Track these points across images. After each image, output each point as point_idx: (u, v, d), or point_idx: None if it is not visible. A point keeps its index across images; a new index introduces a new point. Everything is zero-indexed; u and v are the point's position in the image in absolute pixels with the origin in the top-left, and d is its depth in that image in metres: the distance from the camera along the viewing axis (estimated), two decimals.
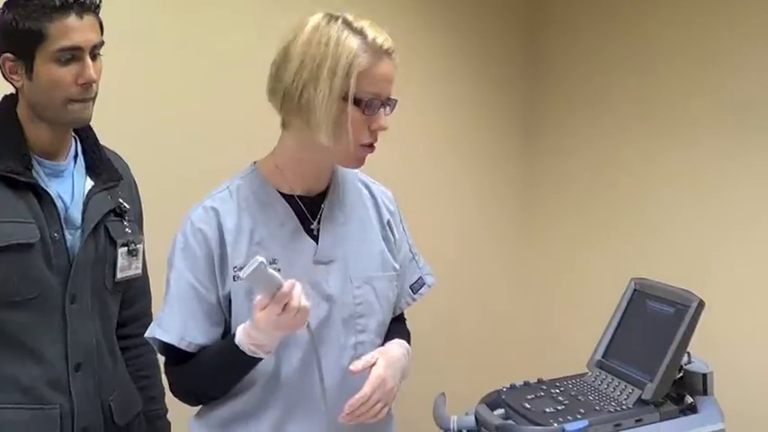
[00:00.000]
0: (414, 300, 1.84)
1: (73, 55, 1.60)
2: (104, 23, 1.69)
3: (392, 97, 1.60)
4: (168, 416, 2.03)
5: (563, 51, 3.35)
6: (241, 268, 1.58)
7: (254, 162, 1.73)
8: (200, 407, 1.71)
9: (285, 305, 1.44)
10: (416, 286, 1.84)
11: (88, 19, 1.62)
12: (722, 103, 2.73)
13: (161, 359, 1.74)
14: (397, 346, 1.69)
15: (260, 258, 1.41)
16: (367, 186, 1.81)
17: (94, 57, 1.65)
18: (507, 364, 3.13)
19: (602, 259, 3.12)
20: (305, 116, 1.57)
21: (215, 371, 1.62)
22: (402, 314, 1.88)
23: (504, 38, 3.43)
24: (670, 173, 2.90)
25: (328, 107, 1.56)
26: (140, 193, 1.96)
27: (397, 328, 1.80)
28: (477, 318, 3.34)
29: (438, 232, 3.18)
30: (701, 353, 2.03)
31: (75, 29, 1.60)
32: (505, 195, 3.47)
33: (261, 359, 1.57)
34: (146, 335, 1.65)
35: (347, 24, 1.56)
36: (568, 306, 3.26)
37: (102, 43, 1.66)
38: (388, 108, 1.60)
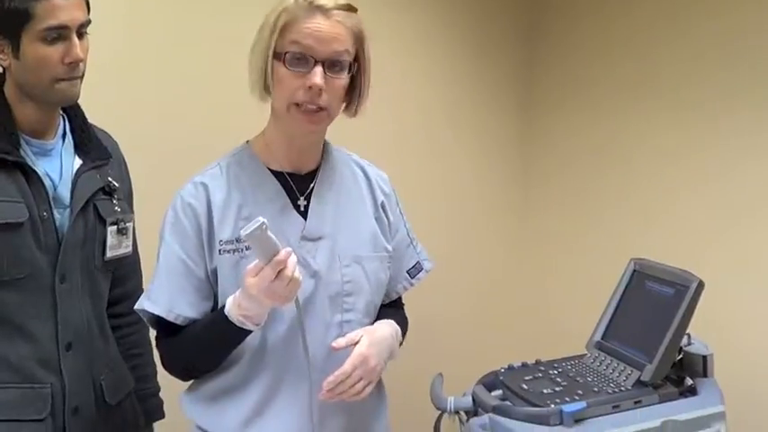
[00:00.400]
0: (411, 284, 1.84)
1: (60, 34, 1.58)
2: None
3: (341, 56, 1.57)
4: (161, 394, 2.01)
5: (562, 31, 3.31)
6: (228, 241, 1.61)
7: (248, 140, 1.74)
8: (190, 382, 1.71)
9: (279, 272, 1.44)
10: (414, 271, 1.84)
11: None
12: (721, 84, 2.69)
13: (153, 338, 1.74)
14: (385, 325, 1.69)
15: (262, 219, 1.42)
16: (362, 168, 1.81)
17: (81, 35, 1.63)
18: (506, 346, 3.10)
19: (603, 240, 3.09)
20: None
21: (204, 343, 1.62)
22: (400, 299, 1.87)
23: (503, 18, 3.39)
24: (670, 153, 2.86)
25: (256, 64, 1.59)
26: (133, 172, 1.94)
27: (390, 312, 1.79)
28: (475, 298, 3.32)
29: (435, 213, 3.16)
30: (702, 334, 2.01)
31: (61, 8, 1.57)
32: (503, 176, 3.44)
33: (249, 332, 1.56)
34: (135, 307, 1.66)
35: None
36: (569, 287, 3.23)
37: (88, 22, 1.65)
38: (332, 68, 1.56)
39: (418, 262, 1.85)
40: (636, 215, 2.98)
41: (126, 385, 1.86)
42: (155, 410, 1.99)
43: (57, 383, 1.65)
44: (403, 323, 1.81)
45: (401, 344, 1.80)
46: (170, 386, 1.80)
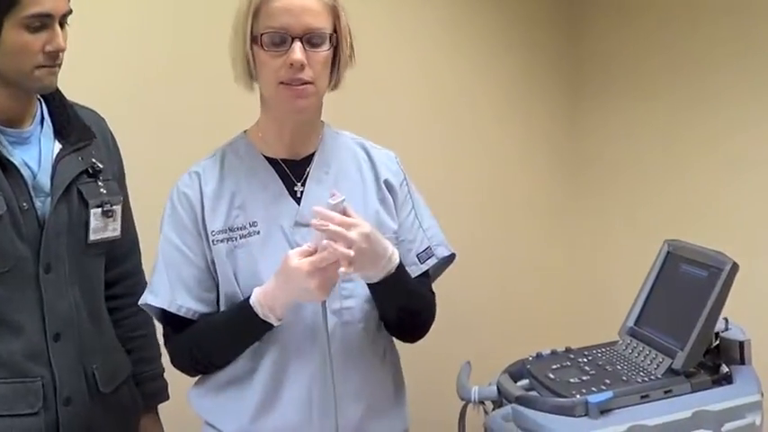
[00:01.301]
0: (420, 269, 1.76)
1: (42, 22, 1.57)
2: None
3: (318, 29, 1.55)
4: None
5: (609, 20, 3.20)
6: (220, 231, 1.62)
7: (245, 130, 1.74)
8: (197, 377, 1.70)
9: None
10: (424, 256, 1.77)
11: None
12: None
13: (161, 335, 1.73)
14: (386, 242, 1.60)
15: (343, 197, 1.49)
16: (365, 149, 1.77)
17: (62, 25, 1.62)
18: (543, 332, 3.03)
19: (651, 224, 2.98)
20: None
21: (222, 336, 1.62)
22: (426, 282, 1.80)
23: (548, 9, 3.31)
24: (719, 136, 2.75)
25: (237, 53, 1.58)
26: (133, 155, 1.93)
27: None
28: (515, 283, 3.25)
29: (475, 200, 3.11)
30: (742, 320, 1.91)
31: None
32: (548, 164, 3.36)
33: (271, 327, 1.56)
34: (139, 302, 1.66)
35: None
36: (612, 271, 3.13)
37: (70, 12, 1.64)
38: (311, 42, 1.55)
39: (429, 247, 1.79)
40: (683, 198, 2.87)
41: (122, 371, 1.85)
42: (158, 393, 1.98)
43: (47, 375, 1.65)
44: (420, 288, 1.75)
45: (425, 322, 1.77)
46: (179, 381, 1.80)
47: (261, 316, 1.53)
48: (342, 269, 1.46)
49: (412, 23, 2.96)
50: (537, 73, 3.29)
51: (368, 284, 1.62)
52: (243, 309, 1.56)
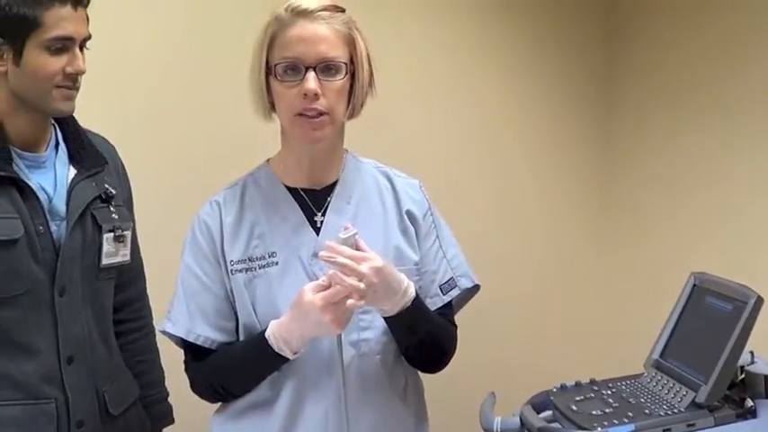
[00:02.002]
0: (443, 300, 1.76)
1: (64, 45, 1.62)
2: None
3: (332, 58, 1.55)
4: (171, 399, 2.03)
5: (641, 40, 3.20)
6: (239, 261, 1.63)
7: (268, 159, 1.76)
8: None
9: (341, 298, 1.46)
10: (447, 287, 1.76)
11: (81, 11, 1.65)
12: None
13: (182, 361, 1.75)
14: (401, 276, 1.60)
15: (355, 230, 1.50)
16: (389, 178, 1.76)
17: (81, 49, 1.66)
18: (570, 363, 3.00)
19: (675, 255, 2.96)
20: None
21: (239, 367, 1.63)
22: (445, 315, 1.78)
23: (583, 22, 3.31)
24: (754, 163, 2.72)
25: (254, 84, 1.60)
26: (135, 178, 1.96)
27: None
28: (543, 314, 3.24)
29: (494, 229, 3.13)
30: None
31: (69, 19, 1.61)
32: (579, 191, 3.37)
33: (286, 360, 1.56)
34: (158, 328, 1.70)
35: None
36: (640, 302, 3.10)
37: (89, 37, 1.68)
38: (325, 72, 1.55)
39: (452, 278, 1.78)
40: (708, 231, 2.84)
41: (130, 394, 1.88)
42: (163, 416, 2.01)
43: (60, 398, 1.68)
44: (440, 322, 1.74)
45: (445, 356, 1.76)
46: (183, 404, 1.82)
47: (276, 349, 1.54)
48: (351, 301, 1.47)
49: (440, 64, 3.01)
50: (569, 111, 3.31)
51: (384, 318, 1.62)
52: (259, 341, 1.57)
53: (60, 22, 1.60)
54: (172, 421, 2.04)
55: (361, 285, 1.48)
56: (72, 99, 1.69)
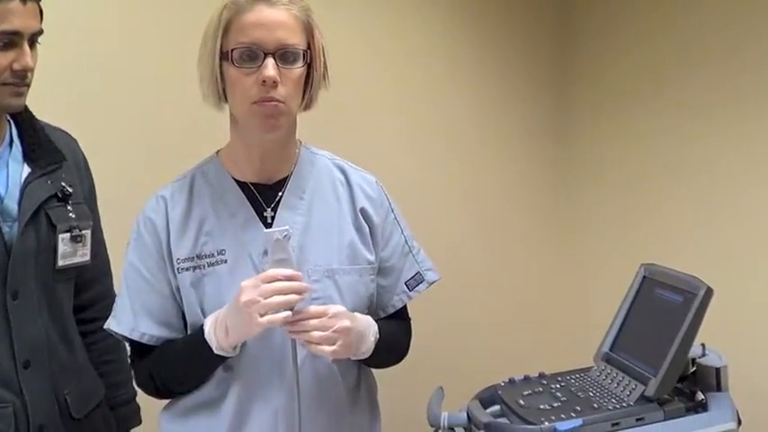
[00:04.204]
0: (410, 297, 1.69)
1: (11, 40, 1.52)
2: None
3: (292, 45, 1.47)
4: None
5: (595, 39, 3.18)
6: (186, 259, 1.54)
7: (218, 150, 1.66)
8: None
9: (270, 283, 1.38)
10: (413, 282, 1.69)
11: (31, 5, 1.54)
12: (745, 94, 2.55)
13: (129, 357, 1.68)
14: (365, 321, 1.55)
15: (288, 227, 1.43)
16: (344, 172, 1.68)
17: (32, 44, 1.57)
18: (522, 357, 2.97)
19: (628, 248, 2.95)
20: None
21: (179, 365, 1.55)
22: (403, 312, 1.72)
23: (534, 24, 3.29)
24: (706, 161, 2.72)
25: (205, 70, 1.50)
26: (104, 175, 1.88)
27: (387, 323, 1.65)
28: (493, 308, 3.20)
29: (453, 222, 3.08)
30: (721, 346, 1.86)
31: (15, 13, 1.51)
32: (536, 191, 3.34)
33: (225, 358, 1.48)
34: (104, 326, 1.60)
35: None
36: (595, 297, 3.08)
37: (41, 32, 1.58)
38: (284, 59, 1.46)
39: (419, 272, 1.70)
40: (663, 224, 2.83)
41: (95, 396, 1.79)
42: (130, 417, 1.92)
43: (18, 402, 1.60)
44: (397, 334, 1.69)
45: (402, 357, 1.71)
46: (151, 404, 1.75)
47: (211, 345, 1.46)
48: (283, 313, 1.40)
49: (395, 54, 2.96)
50: (528, 111, 3.28)
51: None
52: (197, 337, 1.49)
53: (7, 15, 1.50)
54: (139, 422, 1.95)
55: (335, 348, 1.44)
56: (22, 95, 1.59)
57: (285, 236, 1.41)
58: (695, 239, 2.68)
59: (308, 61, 1.52)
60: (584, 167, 3.24)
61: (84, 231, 1.72)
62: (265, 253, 1.48)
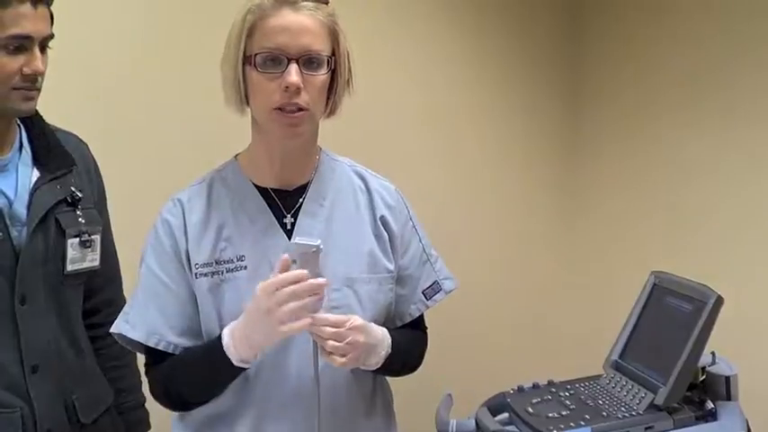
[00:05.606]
0: (427, 306, 1.68)
1: (22, 44, 1.52)
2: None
3: (316, 51, 1.45)
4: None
5: (609, 38, 3.18)
6: (205, 264, 1.52)
7: (237, 155, 1.65)
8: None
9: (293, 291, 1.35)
10: (430, 291, 1.68)
11: (42, 10, 1.55)
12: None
13: (143, 365, 1.65)
14: (380, 331, 1.53)
15: (319, 241, 1.38)
16: (363, 179, 1.66)
17: (43, 49, 1.58)
18: (530, 364, 2.96)
19: (637, 256, 2.94)
20: None
21: (195, 375, 1.51)
22: (420, 321, 1.72)
23: (547, 18, 3.29)
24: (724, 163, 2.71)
25: (228, 74, 1.48)
26: (115, 178, 1.89)
27: (401, 332, 1.64)
28: (505, 315, 3.20)
29: (467, 230, 3.09)
30: (732, 355, 1.85)
31: (27, 17, 1.52)
32: (544, 198, 3.34)
33: (242, 370, 1.46)
34: (111, 330, 1.56)
35: None
36: (604, 304, 3.07)
37: (51, 36, 1.59)
38: (308, 65, 1.44)
39: (436, 281, 1.69)
40: (674, 232, 2.82)
41: (103, 401, 1.79)
42: (139, 423, 1.92)
43: (26, 407, 1.60)
44: (411, 345, 1.67)
45: (414, 369, 1.70)
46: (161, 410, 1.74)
47: (228, 355, 1.42)
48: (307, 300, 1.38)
49: (419, 59, 2.98)
50: (537, 102, 3.28)
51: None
52: (214, 346, 1.46)
53: (18, 19, 1.50)
54: (148, 428, 1.95)
55: (337, 359, 1.42)
56: (32, 99, 1.59)
57: (316, 250, 1.38)
58: (706, 247, 2.68)
59: (333, 67, 1.50)
60: (592, 173, 3.24)
61: (93, 236, 1.72)
62: (294, 262, 1.43)
